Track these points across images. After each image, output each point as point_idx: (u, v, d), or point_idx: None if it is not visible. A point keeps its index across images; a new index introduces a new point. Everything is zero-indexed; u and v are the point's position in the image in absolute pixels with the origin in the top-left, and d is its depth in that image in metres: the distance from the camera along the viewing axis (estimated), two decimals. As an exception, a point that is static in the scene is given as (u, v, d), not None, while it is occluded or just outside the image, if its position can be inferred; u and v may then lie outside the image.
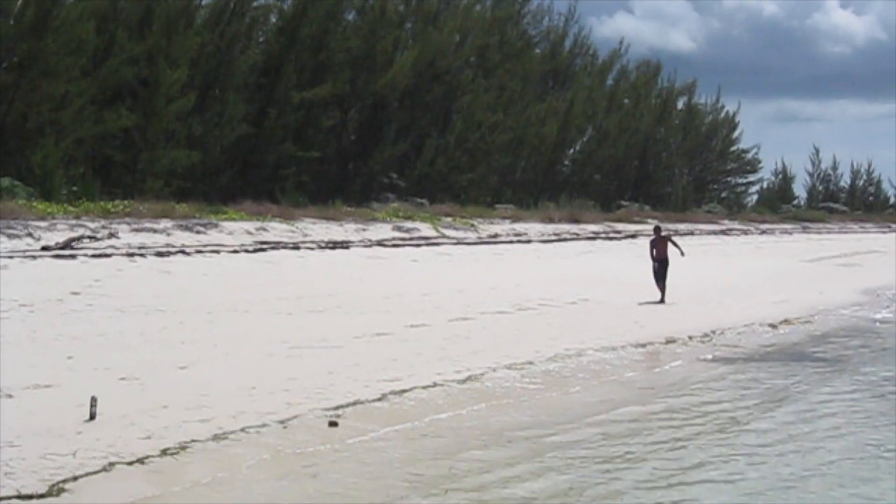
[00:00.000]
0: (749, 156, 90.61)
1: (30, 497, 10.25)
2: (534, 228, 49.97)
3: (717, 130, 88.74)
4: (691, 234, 59.16)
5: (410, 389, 15.81)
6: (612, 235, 52.60)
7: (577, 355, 19.74)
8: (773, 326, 25.65)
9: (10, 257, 27.76)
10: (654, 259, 29.06)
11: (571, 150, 76.11)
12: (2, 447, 11.51)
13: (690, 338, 22.83)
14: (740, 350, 22.17)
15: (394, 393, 15.50)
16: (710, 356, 21.20)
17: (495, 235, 46.48)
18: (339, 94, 58.20)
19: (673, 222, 62.29)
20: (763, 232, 68.44)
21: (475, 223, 47.79)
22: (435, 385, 16.29)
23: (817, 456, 13.30)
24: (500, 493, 11.43)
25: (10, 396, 13.75)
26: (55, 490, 10.47)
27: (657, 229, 30.72)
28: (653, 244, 29.49)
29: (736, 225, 69.48)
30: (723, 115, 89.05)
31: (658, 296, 28.37)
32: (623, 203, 70.44)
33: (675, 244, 29.57)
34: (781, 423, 15.31)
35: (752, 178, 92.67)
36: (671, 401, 16.84)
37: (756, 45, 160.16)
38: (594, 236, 51.34)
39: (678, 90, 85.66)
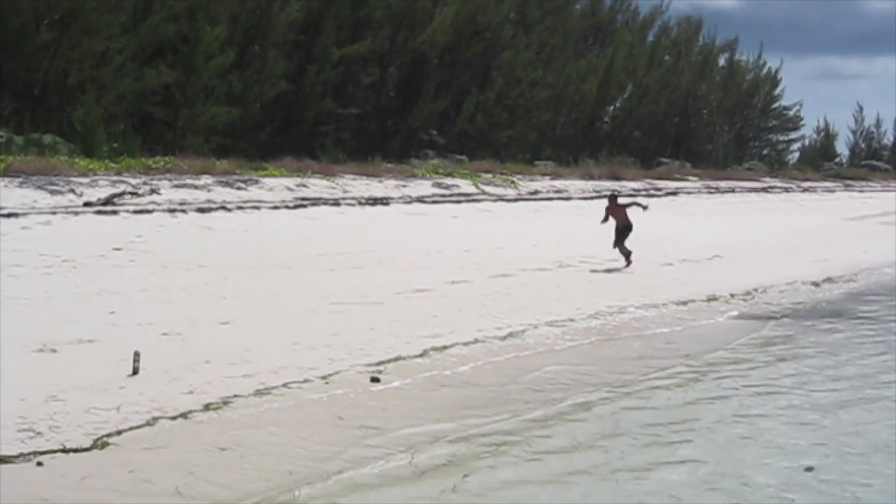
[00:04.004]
0: (791, 113, 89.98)
1: (75, 451, 10.31)
2: (574, 185, 49.80)
3: (759, 87, 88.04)
4: (732, 191, 58.86)
5: (451, 346, 15.81)
6: (652, 192, 52.28)
7: (618, 312, 19.70)
8: (816, 285, 25.48)
9: (53, 213, 27.88)
10: (615, 227, 26.91)
11: (611, 107, 75.79)
12: (47, 401, 11.60)
13: (732, 295, 22.69)
14: (783, 308, 22.03)
15: (435, 349, 15.50)
16: (752, 314, 21.09)
17: (535, 192, 46.33)
18: (379, 51, 58.09)
19: (714, 179, 62.00)
20: (805, 190, 67.96)
21: (515, 180, 47.63)
22: (476, 341, 16.28)
23: (858, 414, 13.25)
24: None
25: (53, 351, 13.85)
26: (99, 444, 10.53)
27: (612, 197, 28.12)
28: (608, 211, 27.16)
29: (777, 182, 68.96)
30: (764, 71, 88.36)
31: (622, 262, 26.41)
32: (663, 160, 70.07)
33: (637, 204, 27.83)
34: (827, 381, 15.21)
35: (793, 135, 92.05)
36: (713, 358, 16.78)
37: (799, 2, 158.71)
38: (634, 193, 50.98)
39: (719, 47, 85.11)
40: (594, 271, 25.03)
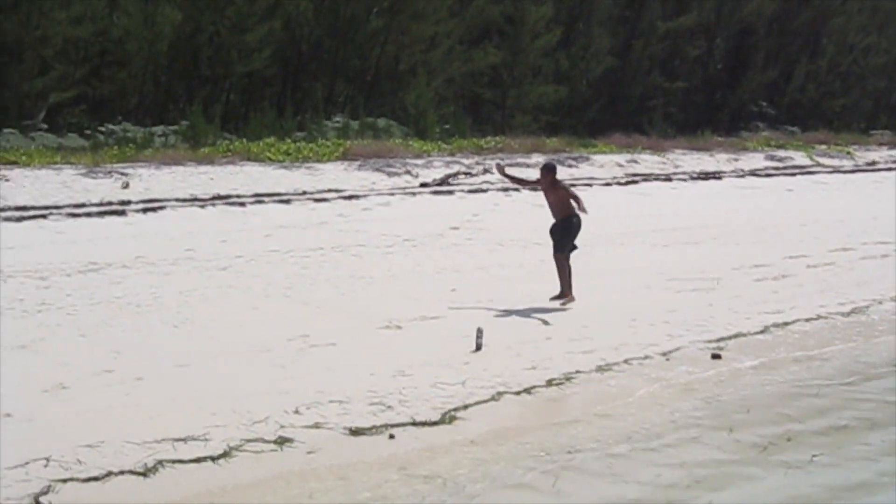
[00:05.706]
0: None
1: (423, 424, 10.62)
2: (915, 155, 47.73)
3: None
4: None
5: (793, 322, 15.47)
6: None
7: (972, 286, 18.80)
8: None
9: (392, 194, 28.67)
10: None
11: (954, 72, 72.36)
12: (394, 376, 11.96)
13: None
14: None
15: (776, 325, 15.21)
16: None
17: (873, 163, 44.59)
18: (705, 23, 57.18)
19: None
20: None
21: (851, 150, 46.03)
22: (818, 317, 15.89)
23: None
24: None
25: (398, 328, 14.27)
26: (447, 418, 10.81)
27: (548, 168, 17.13)
28: (545, 192, 17.12)
29: None
30: None
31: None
32: None
33: (573, 197, 16.52)
34: None
35: None
36: None
37: None
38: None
39: None
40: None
